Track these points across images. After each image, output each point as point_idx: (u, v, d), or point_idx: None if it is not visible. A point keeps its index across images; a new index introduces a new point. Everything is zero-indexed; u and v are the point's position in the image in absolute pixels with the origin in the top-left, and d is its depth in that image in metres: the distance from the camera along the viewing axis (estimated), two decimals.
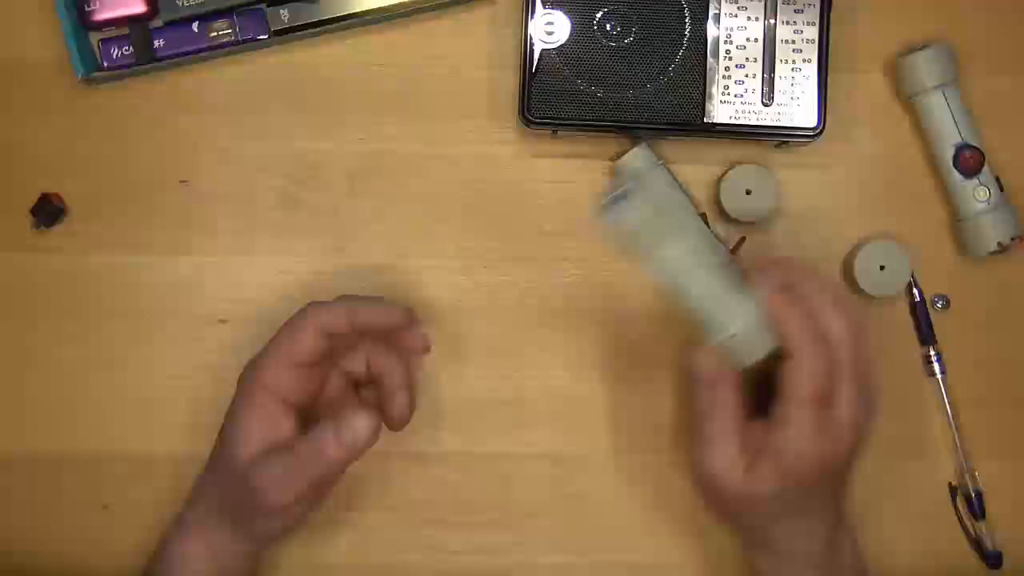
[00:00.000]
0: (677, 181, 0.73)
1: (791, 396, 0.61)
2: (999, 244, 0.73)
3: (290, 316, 0.66)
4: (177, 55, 0.72)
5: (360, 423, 0.61)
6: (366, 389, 0.71)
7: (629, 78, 0.71)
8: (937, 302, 0.75)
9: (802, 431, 0.61)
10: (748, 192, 0.73)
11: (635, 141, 0.73)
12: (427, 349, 0.67)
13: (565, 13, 0.71)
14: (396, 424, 0.68)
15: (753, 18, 0.71)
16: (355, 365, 0.69)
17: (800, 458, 0.61)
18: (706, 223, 0.73)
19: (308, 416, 0.66)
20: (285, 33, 0.72)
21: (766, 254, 0.75)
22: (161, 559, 0.66)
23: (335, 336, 0.65)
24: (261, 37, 0.72)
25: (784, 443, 0.61)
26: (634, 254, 0.61)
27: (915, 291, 0.75)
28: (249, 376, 0.65)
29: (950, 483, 0.75)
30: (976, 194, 0.73)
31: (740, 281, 0.62)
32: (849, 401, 0.62)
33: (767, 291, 0.61)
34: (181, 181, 0.74)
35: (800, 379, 0.61)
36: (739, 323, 0.61)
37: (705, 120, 0.71)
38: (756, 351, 0.62)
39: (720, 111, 0.71)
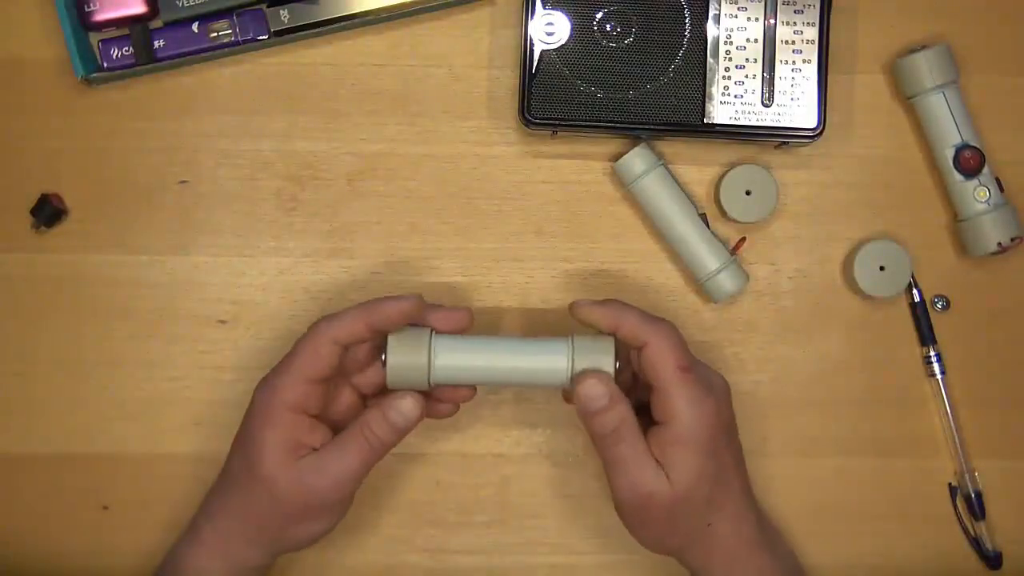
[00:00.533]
0: (677, 181, 0.73)
1: (665, 373, 0.64)
2: (999, 244, 0.73)
3: (303, 334, 0.65)
4: (177, 55, 0.72)
5: (406, 404, 0.64)
6: (373, 401, 0.70)
7: (629, 78, 0.71)
8: (937, 302, 0.75)
9: (690, 395, 0.64)
10: (748, 192, 0.73)
11: (635, 141, 0.73)
12: (470, 320, 0.68)
13: (565, 13, 0.71)
14: (453, 408, 0.69)
15: (753, 19, 0.71)
16: (366, 380, 0.69)
17: (701, 422, 0.64)
18: (706, 223, 0.73)
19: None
20: (285, 33, 0.72)
21: (766, 254, 0.75)
22: (175, 569, 0.65)
23: (351, 347, 0.65)
24: (261, 37, 0.72)
25: (683, 417, 0.63)
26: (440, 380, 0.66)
27: (915, 291, 0.75)
28: (267, 394, 0.64)
29: (950, 483, 0.75)
30: (976, 194, 0.73)
31: (531, 338, 0.67)
32: (700, 363, 0.66)
33: (587, 306, 0.67)
34: (181, 181, 0.74)
35: (663, 353, 0.64)
36: (562, 363, 0.65)
37: (705, 120, 0.71)
38: (605, 365, 0.65)
39: (720, 111, 0.71)
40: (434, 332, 0.66)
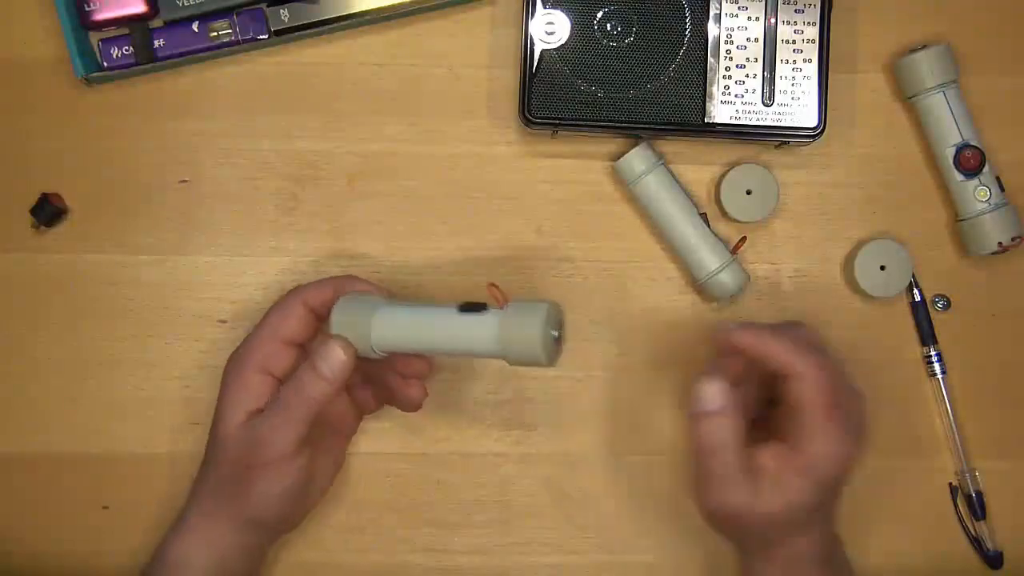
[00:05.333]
0: (677, 181, 0.73)
1: (812, 411, 0.63)
2: (1000, 244, 0.73)
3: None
4: (177, 55, 0.72)
5: (334, 351, 0.63)
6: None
7: (629, 78, 0.71)
8: (937, 302, 0.75)
9: (831, 438, 0.63)
10: (748, 192, 0.73)
11: (635, 141, 0.73)
12: None
13: (565, 13, 0.71)
14: (411, 403, 0.68)
15: (753, 18, 0.71)
16: (363, 397, 0.70)
17: (833, 464, 0.63)
18: (706, 223, 0.73)
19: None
20: (285, 33, 0.72)
21: (766, 254, 0.75)
22: (161, 559, 0.66)
23: (322, 314, 0.66)
24: (261, 37, 0.72)
25: (817, 458, 0.63)
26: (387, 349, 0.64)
27: (915, 291, 0.75)
28: (236, 357, 0.66)
29: (950, 483, 0.75)
30: (977, 194, 0.73)
31: (472, 306, 0.63)
32: (854, 402, 0.65)
33: (729, 332, 0.65)
34: (181, 181, 0.74)
35: (814, 391, 0.63)
36: (492, 329, 0.61)
37: (705, 120, 0.71)
38: (533, 328, 0.60)
39: (720, 111, 0.71)
40: (380, 300, 0.64)
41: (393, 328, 0.63)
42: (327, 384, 0.63)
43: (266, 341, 0.65)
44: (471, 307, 0.62)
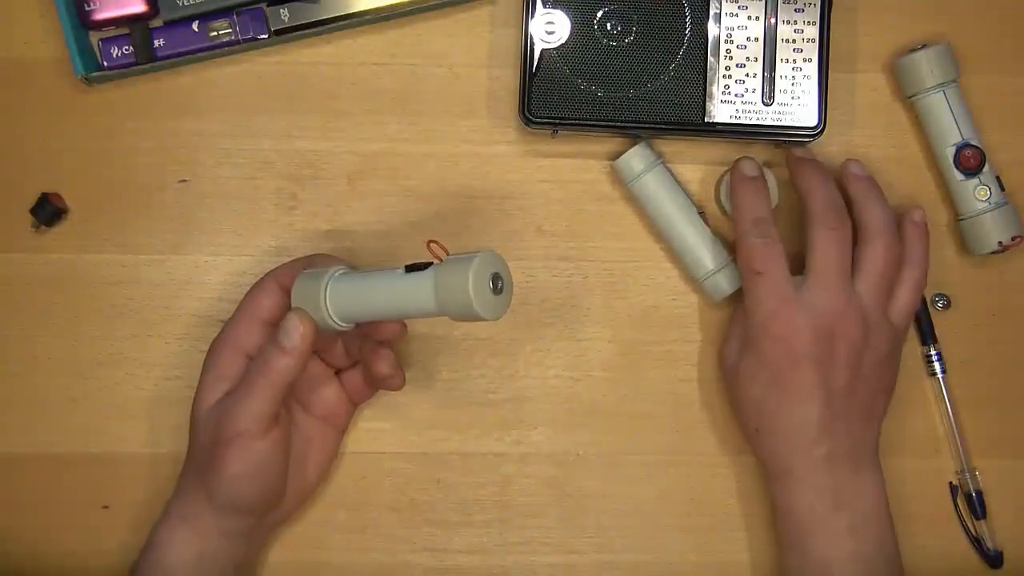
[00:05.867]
0: (677, 181, 0.73)
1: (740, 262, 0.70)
2: (1000, 243, 0.73)
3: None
4: (177, 55, 0.72)
5: (292, 323, 0.63)
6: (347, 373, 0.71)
7: (629, 78, 0.71)
8: (937, 302, 0.75)
9: (756, 293, 0.69)
10: None
11: (635, 140, 0.73)
12: None
13: (565, 12, 0.71)
14: (384, 378, 0.68)
15: (754, 17, 0.71)
16: (334, 358, 0.70)
17: (755, 326, 0.69)
18: (706, 223, 0.73)
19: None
20: (285, 33, 0.72)
21: None
22: (147, 547, 0.66)
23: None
24: (261, 37, 0.72)
25: (748, 308, 0.69)
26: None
27: None
28: (214, 341, 0.67)
29: (950, 483, 0.75)
30: (977, 193, 0.73)
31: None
32: (863, 283, 0.68)
33: (795, 161, 0.72)
34: (181, 181, 0.74)
35: (739, 249, 0.70)
36: (428, 287, 0.60)
37: (705, 120, 0.71)
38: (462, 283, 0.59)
39: (720, 110, 0.71)
40: (336, 271, 0.64)
41: (345, 295, 0.63)
42: (289, 357, 0.63)
43: (241, 322, 0.66)
44: (416, 267, 0.61)
